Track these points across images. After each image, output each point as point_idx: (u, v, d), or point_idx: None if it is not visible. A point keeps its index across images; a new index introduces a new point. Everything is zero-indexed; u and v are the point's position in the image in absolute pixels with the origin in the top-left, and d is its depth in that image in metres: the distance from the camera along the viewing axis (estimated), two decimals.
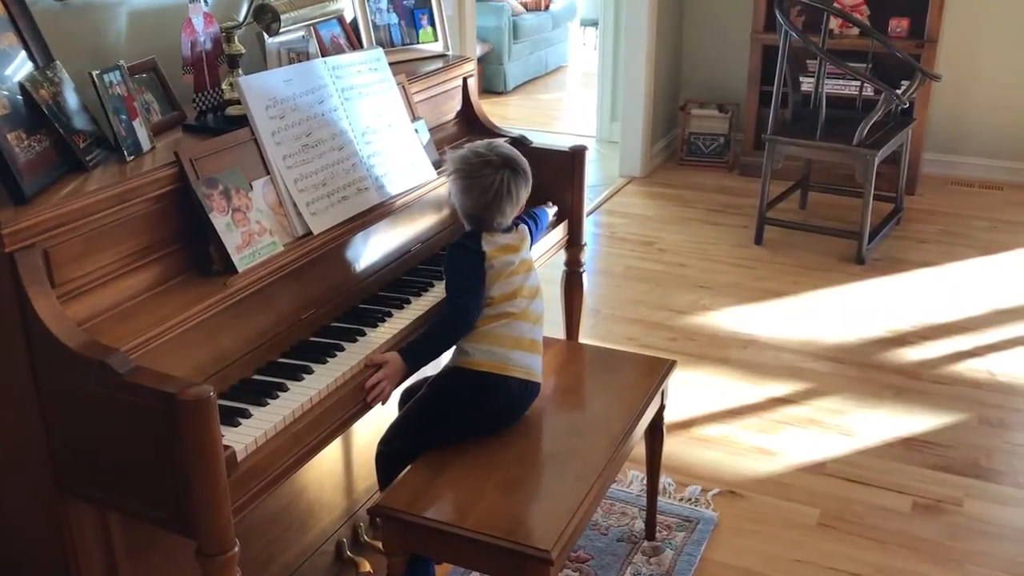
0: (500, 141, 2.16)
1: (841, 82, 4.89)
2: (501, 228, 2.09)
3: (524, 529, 1.77)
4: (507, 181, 2.04)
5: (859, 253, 4.19)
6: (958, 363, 3.37)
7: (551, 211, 2.53)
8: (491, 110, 2.81)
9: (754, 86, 5.20)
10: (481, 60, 7.13)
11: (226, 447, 1.51)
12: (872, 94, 4.62)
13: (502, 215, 2.06)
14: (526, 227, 2.19)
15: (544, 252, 2.57)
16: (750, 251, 4.37)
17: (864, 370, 3.33)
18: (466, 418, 2.03)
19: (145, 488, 1.53)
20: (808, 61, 4.86)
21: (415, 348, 1.96)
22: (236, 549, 1.52)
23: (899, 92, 4.13)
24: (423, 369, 2.01)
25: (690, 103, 5.54)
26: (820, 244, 4.37)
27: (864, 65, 4.45)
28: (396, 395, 2.25)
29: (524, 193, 2.10)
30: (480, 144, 2.10)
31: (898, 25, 4.91)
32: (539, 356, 2.11)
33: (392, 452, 2.08)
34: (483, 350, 2.03)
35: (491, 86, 7.61)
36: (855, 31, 4.88)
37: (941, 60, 4.94)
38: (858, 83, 4.60)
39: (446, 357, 2.11)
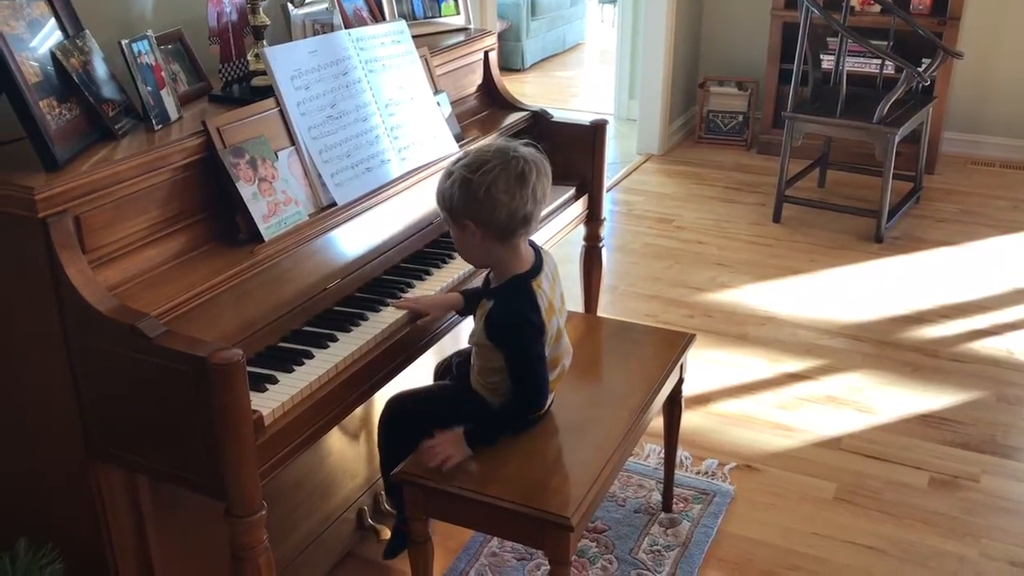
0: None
1: (862, 60, 4.86)
2: (530, 235, 1.87)
3: (544, 496, 1.80)
4: (532, 169, 1.79)
5: (878, 232, 4.18)
6: (976, 341, 3.37)
7: None
8: (509, 87, 2.81)
9: (774, 63, 5.17)
10: (499, 37, 7.11)
11: (254, 411, 1.54)
12: (893, 72, 4.59)
13: (530, 221, 1.82)
14: (547, 252, 1.96)
15: (563, 227, 2.59)
16: (768, 229, 4.37)
17: (882, 348, 3.33)
18: None
19: (174, 451, 1.56)
20: (829, 38, 4.83)
21: (482, 433, 1.87)
22: (264, 511, 1.55)
23: (920, 70, 4.10)
24: (459, 340, 1.99)
25: (709, 80, 5.51)
26: (838, 223, 4.36)
27: (885, 42, 4.42)
28: (431, 362, 2.24)
29: (548, 189, 1.86)
30: (485, 145, 1.88)
31: (920, 2, 4.87)
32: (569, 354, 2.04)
33: (400, 414, 2.06)
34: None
35: (509, 63, 7.59)
36: (876, 8, 4.84)
37: (963, 38, 4.90)
38: (879, 61, 4.57)
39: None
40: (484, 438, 1.89)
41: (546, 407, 2.00)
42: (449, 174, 1.83)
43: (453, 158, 1.87)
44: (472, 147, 1.85)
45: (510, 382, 1.90)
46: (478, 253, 1.88)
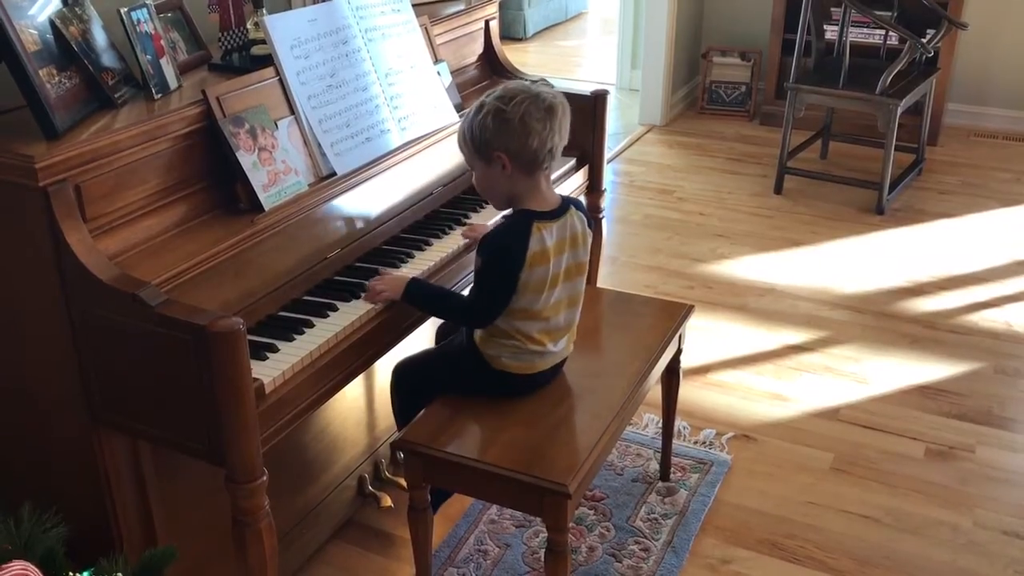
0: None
1: (865, 30, 4.83)
2: (549, 177, 1.92)
3: (543, 463, 1.82)
4: (559, 104, 1.85)
5: (879, 203, 4.17)
6: (975, 313, 3.38)
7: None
8: (510, 56, 2.80)
9: (777, 34, 5.14)
10: (501, 5, 7.06)
11: (254, 379, 1.55)
12: (897, 43, 4.57)
13: (555, 154, 1.88)
14: (583, 216, 1.97)
15: None
16: (770, 200, 4.36)
17: (881, 319, 3.34)
18: (493, 395, 2.01)
19: (176, 418, 1.58)
20: (832, 8, 4.80)
21: (424, 292, 1.92)
22: (265, 477, 1.57)
23: (924, 41, 4.08)
24: None
25: (712, 51, 5.48)
26: (840, 194, 4.36)
27: (889, 13, 4.39)
28: (432, 328, 2.27)
29: (567, 125, 1.90)
30: (509, 83, 1.94)
31: None
32: (572, 331, 2.05)
33: (405, 380, 2.10)
34: (509, 355, 1.96)
35: (510, 32, 7.54)
36: None
37: (968, 8, 4.86)
38: (883, 31, 4.55)
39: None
40: (419, 300, 1.92)
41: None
42: (480, 106, 1.86)
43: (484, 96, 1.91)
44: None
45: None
46: (503, 188, 1.91)
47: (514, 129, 1.82)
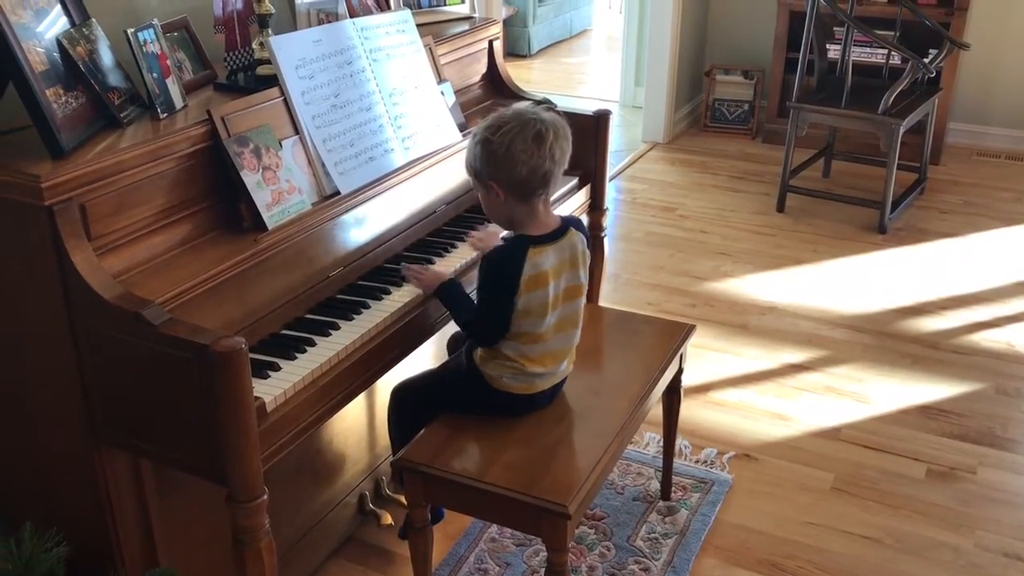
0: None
1: (868, 50, 4.85)
2: (547, 202, 1.92)
3: (543, 484, 1.82)
4: (549, 130, 1.84)
5: (881, 222, 4.18)
6: (977, 333, 3.38)
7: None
8: (515, 73, 2.82)
9: (780, 52, 5.16)
10: (505, 23, 7.11)
11: (256, 398, 1.56)
12: (899, 62, 4.58)
13: (549, 180, 1.87)
14: (583, 236, 1.98)
15: None
16: (772, 219, 4.37)
17: (882, 339, 3.35)
18: (493, 415, 2.02)
19: (177, 436, 1.58)
20: (835, 28, 4.82)
21: (453, 295, 1.98)
22: (265, 496, 1.57)
23: (926, 61, 4.09)
24: None
25: (715, 68, 5.51)
26: (842, 213, 4.37)
27: (892, 33, 4.41)
28: (433, 349, 2.29)
29: (567, 152, 1.90)
30: (504, 109, 1.95)
31: None
32: (572, 352, 2.05)
33: (406, 401, 2.10)
34: (510, 376, 1.96)
35: (515, 49, 7.58)
36: None
37: (970, 29, 4.88)
38: (885, 51, 4.57)
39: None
40: (446, 298, 1.98)
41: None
42: (474, 136, 1.90)
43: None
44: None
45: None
46: (503, 213, 1.94)
47: (500, 159, 1.84)
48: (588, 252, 2.01)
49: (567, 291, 1.96)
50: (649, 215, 4.44)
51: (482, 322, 1.95)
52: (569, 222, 1.98)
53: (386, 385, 2.16)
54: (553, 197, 2.47)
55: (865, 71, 4.74)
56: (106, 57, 1.78)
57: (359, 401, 2.22)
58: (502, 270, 1.89)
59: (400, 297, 1.99)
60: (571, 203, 2.58)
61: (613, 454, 1.96)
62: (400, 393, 2.12)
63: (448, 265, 2.14)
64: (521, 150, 1.83)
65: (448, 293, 1.98)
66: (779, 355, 3.25)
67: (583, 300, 2.01)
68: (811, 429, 2.85)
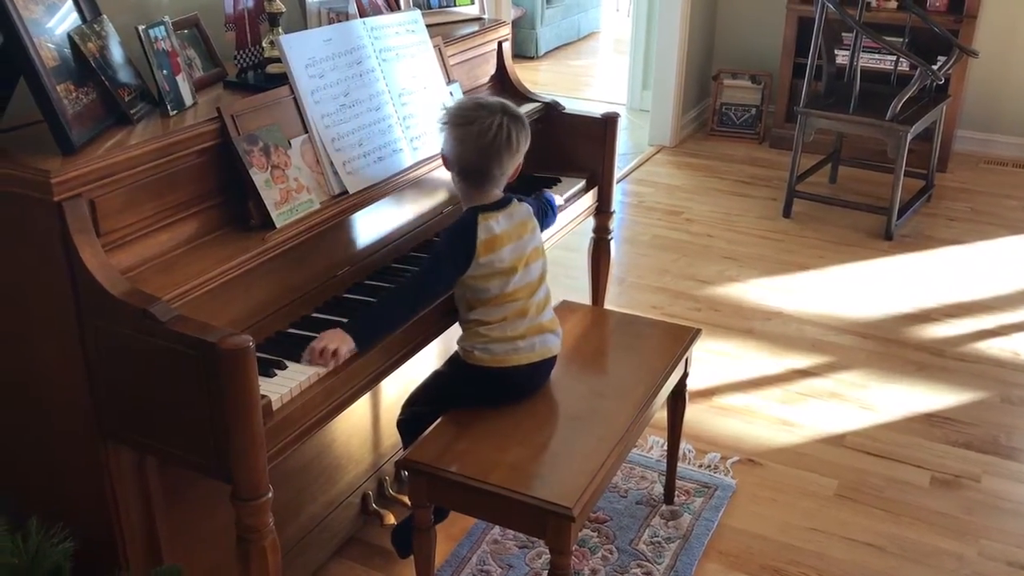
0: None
1: (876, 56, 4.85)
2: (498, 186, 2.01)
3: (547, 486, 1.82)
4: (505, 125, 1.95)
5: (888, 229, 4.17)
6: (982, 341, 3.37)
7: (557, 198, 2.41)
8: (522, 75, 2.82)
9: (788, 57, 5.16)
10: (513, 24, 7.10)
11: (262, 396, 1.56)
12: (907, 69, 4.58)
13: (500, 166, 1.98)
14: (528, 206, 2.09)
15: (573, 219, 2.60)
16: (778, 224, 4.37)
17: (887, 345, 3.34)
18: (478, 400, 2.04)
19: (184, 433, 1.58)
20: (844, 34, 4.82)
21: (365, 323, 1.83)
22: (270, 495, 1.57)
23: (935, 68, 4.09)
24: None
25: (723, 73, 5.50)
26: (849, 219, 4.36)
27: (900, 39, 4.41)
28: (451, 337, 2.29)
29: (524, 144, 2.01)
30: (473, 97, 2.08)
31: None
32: (552, 332, 2.08)
33: (411, 416, 2.13)
34: (481, 347, 2.01)
35: (523, 51, 7.58)
36: (893, 4, 4.82)
37: (980, 36, 4.87)
38: (894, 57, 4.56)
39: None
40: (363, 325, 1.82)
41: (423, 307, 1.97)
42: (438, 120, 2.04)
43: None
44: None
45: None
46: (458, 189, 2.06)
47: (450, 141, 1.99)
48: (536, 219, 2.09)
49: (532, 253, 2.03)
50: (655, 218, 4.43)
51: (416, 287, 1.94)
52: (512, 196, 2.06)
53: (392, 384, 2.16)
54: (561, 199, 2.47)
55: (873, 77, 4.74)
56: (117, 54, 1.78)
57: (363, 401, 2.21)
58: (462, 234, 1.96)
59: None
60: (578, 206, 2.58)
61: (617, 457, 1.96)
62: (408, 409, 2.14)
63: None
64: (473, 138, 1.94)
65: (362, 324, 1.82)
66: (784, 360, 3.24)
67: (540, 266, 2.07)
68: (815, 435, 2.85)
